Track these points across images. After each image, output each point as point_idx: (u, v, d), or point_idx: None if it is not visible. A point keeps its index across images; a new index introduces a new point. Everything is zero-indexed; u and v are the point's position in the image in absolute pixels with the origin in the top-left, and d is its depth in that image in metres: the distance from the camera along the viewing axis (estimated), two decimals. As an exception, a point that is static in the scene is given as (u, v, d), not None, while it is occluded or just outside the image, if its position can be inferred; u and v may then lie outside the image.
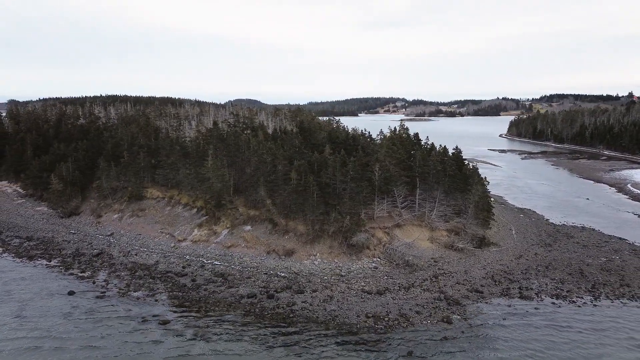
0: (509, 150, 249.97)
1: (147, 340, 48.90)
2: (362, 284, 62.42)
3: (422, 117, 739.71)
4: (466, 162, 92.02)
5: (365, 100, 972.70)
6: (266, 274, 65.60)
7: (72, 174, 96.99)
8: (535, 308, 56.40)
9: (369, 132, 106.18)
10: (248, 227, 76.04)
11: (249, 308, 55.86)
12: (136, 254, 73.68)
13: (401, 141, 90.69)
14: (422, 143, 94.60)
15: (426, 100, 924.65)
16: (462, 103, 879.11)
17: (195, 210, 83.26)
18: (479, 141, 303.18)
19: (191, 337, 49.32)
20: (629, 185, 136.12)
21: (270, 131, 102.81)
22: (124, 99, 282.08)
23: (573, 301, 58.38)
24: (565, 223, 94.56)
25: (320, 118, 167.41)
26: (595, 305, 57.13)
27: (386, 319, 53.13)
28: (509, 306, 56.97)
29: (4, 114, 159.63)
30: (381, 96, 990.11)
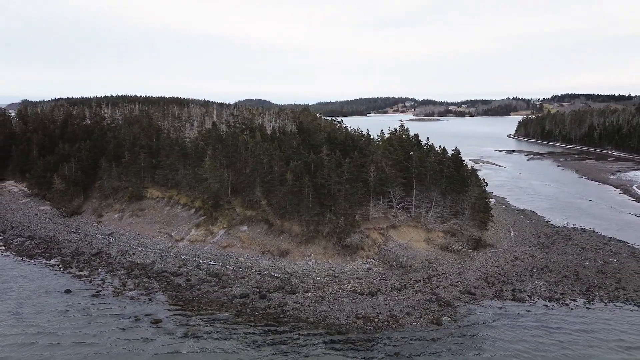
0: (515, 151, 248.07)
1: (139, 337, 49.76)
2: (355, 284, 62.69)
3: (430, 117, 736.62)
4: (465, 162, 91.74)
5: (374, 100, 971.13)
6: (260, 274, 66.17)
7: (74, 174, 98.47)
8: (527, 310, 56.29)
9: (368, 133, 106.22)
10: (244, 228, 76.70)
11: (240, 308, 56.45)
12: (134, 254, 74.69)
13: (400, 142, 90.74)
14: (423, 144, 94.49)
15: (435, 100, 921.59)
16: (471, 103, 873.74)
17: (193, 210, 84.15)
18: (486, 142, 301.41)
19: (182, 336, 50.07)
20: (634, 187, 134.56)
21: (269, 132, 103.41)
22: (134, 99, 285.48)
23: (566, 304, 58.12)
24: (566, 225, 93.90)
25: (327, 118, 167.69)
26: (588, 308, 56.85)
27: (376, 320, 53.38)
28: (501, 308, 56.90)
29: (13, 114, 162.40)
30: (390, 96, 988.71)
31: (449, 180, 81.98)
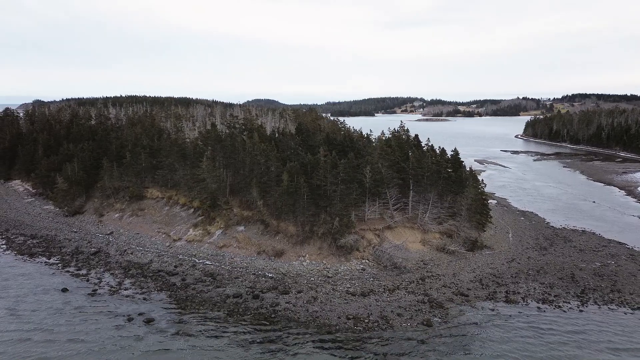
0: (522, 152, 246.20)
1: (131, 335, 50.59)
2: (348, 285, 62.94)
3: (439, 117, 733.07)
4: (463, 163, 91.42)
5: (383, 100, 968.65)
6: (254, 274, 66.71)
7: (77, 174, 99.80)
8: (519, 312, 56.16)
9: (368, 133, 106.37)
10: (241, 228, 77.32)
11: (233, 307, 57.01)
12: (132, 253, 75.65)
13: (398, 142, 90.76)
14: (423, 144, 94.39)
15: (444, 100, 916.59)
16: (480, 103, 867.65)
17: (192, 210, 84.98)
18: (493, 142, 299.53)
19: (173, 334, 50.79)
20: (639, 188, 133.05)
21: (269, 132, 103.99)
22: (142, 100, 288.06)
23: (559, 306, 57.86)
24: (566, 226, 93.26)
25: (338, 119, 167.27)
26: (581, 311, 56.55)
27: (366, 320, 53.62)
28: (493, 310, 56.83)
29: (21, 115, 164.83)
30: (399, 96, 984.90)
31: (447, 181, 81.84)
